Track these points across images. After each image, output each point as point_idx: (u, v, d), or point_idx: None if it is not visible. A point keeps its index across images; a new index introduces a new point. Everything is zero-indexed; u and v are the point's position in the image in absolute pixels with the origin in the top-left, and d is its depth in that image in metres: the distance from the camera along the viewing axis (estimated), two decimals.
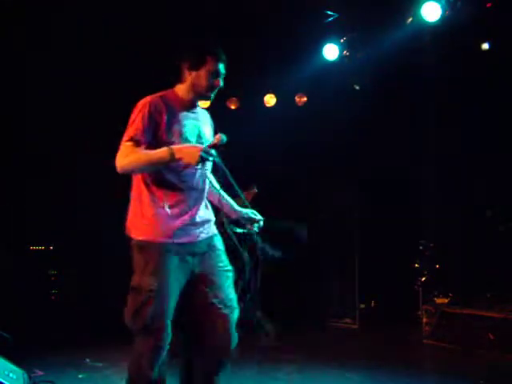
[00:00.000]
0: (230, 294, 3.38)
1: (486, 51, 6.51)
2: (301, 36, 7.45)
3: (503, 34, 6.33)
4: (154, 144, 3.24)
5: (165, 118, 3.30)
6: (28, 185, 7.73)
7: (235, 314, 3.38)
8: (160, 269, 3.25)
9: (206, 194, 3.48)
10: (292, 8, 6.90)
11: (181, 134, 3.31)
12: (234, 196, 3.62)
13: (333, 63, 7.53)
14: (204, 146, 3.24)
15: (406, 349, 6.30)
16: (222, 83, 3.48)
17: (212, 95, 3.51)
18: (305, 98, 8.38)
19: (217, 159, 3.31)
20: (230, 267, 3.45)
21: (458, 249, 7.05)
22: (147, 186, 3.33)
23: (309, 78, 7.87)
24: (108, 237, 7.74)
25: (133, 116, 3.33)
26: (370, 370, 5.38)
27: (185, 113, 3.42)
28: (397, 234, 7.54)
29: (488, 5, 6.07)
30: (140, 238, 3.31)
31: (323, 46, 7.44)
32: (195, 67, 3.41)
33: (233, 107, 8.59)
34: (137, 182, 3.36)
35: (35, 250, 7.76)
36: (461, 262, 6.95)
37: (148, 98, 3.38)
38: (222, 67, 3.46)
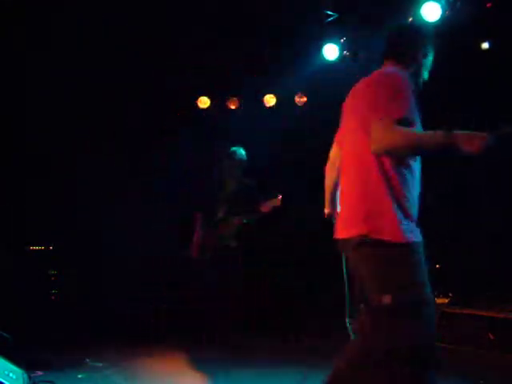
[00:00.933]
0: None
1: (485, 51, 6.51)
2: (301, 36, 7.45)
3: (503, 34, 6.33)
4: None
5: (413, 101, 2.90)
6: (28, 185, 7.72)
7: None
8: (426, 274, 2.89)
9: None
10: (292, 8, 6.91)
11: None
12: None
13: (333, 63, 7.53)
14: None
15: None
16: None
17: None
18: (305, 98, 8.37)
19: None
20: None
21: (458, 248, 7.04)
22: (395, 176, 2.83)
23: (309, 78, 7.87)
24: (108, 237, 7.77)
25: (391, 92, 2.83)
26: None
27: None
28: None
29: (488, 5, 6.07)
30: (403, 240, 2.78)
31: (323, 46, 7.45)
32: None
33: (233, 107, 8.59)
34: (379, 172, 2.83)
35: (35, 249, 7.75)
36: (461, 262, 6.95)
37: (401, 73, 3.02)
38: None
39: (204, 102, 8.52)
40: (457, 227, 7.09)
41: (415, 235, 2.84)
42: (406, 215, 2.81)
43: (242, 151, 6.73)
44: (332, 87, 7.96)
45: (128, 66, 7.47)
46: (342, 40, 7.39)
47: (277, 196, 6.44)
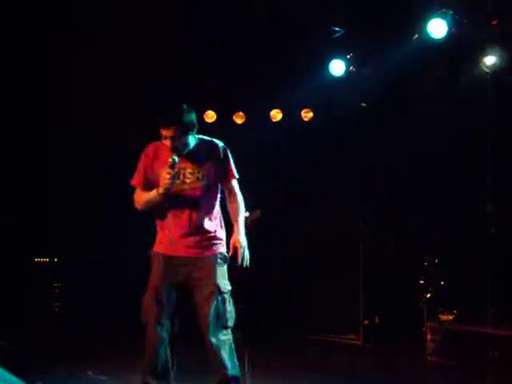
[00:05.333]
0: None
1: (490, 67, 6.51)
2: (307, 51, 7.49)
3: (509, 52, 6.34)
4: None
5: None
6: (33, 197, 7.73)
7: None
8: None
9: None
10: (299, 24, 6.95)
11: None
12: None
13: (339, 79, 7.56)
14: None
15: (410, 366, 6.25)
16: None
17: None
18: (311, 114, 8.38)
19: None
20: None
21: (464, 265, 7.01)
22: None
23: (315, 94, 7.89)
24: (111, 249, 7.78)
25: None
26: None
27: None
28: (401, 249, 7.54)
29: (494, 22, 6.09)
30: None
31: (330, 62, 7.48)
32: None
33: (239, 122, 8.60)
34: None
35: (39, 262, 7.75)
36: (466, 279, 6.91)
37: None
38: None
39: (210, 117, 8.54)
40: (461, 244, 7.07)
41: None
42: None
43: None
44: (338, 103, 8.02)
45: (133, 80, 7.51)
46: (348, 56, 7.42)
47: (255, 210, 6.36)
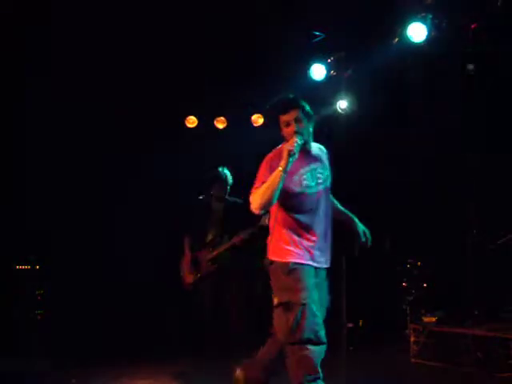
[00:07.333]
0: None
1: (470, 71, 6.57)
2: (288, 56, 7.51)
3: (487, 55, 6.40)
4: None
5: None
6: (14, 204, 7.67)
7: None
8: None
9: None
10: (279, 29, 6.97)
11: None
12: None
13: (320, 83, 7.59)
14: None
15: (393, 368, 6.26)
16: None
17: None
18: None
19: None
20: None
21: (446, 267, 7.06)
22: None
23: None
24: (95, 256, 7.74)
25: None
26: None
27: None
28: (384, 252, 7.57)
29: (472, 26, 6.15)
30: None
31: (310, 66, 7.51)
32: None
33: (220, 127, 8.60)
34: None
35: (21, 269, 7.67)
36: (449, 281, 6.96)
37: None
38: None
39: (192, 122, 8.52)
40: (444, 246, 7.11)
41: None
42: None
43: (226, 171, 6.73)
44: (319, 107, 8.04)
45: (116, 85, 7.49)
46: (328, 60, 7.46)
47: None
